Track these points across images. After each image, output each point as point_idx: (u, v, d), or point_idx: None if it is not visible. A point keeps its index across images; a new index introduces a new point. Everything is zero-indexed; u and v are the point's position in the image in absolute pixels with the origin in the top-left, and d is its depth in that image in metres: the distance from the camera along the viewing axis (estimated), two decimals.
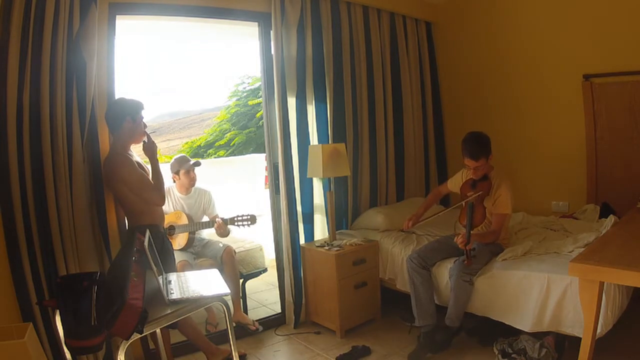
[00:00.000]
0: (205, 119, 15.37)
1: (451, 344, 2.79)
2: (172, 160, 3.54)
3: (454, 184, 3.17)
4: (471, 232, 2.69)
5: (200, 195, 3.50)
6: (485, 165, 2.85)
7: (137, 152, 2.64)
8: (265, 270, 3.76)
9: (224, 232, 3.38)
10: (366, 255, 3.24)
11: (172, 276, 2.20)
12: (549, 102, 3.78)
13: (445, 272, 2.84)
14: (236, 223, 3.33)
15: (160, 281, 1.95)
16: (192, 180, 3.44)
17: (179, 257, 3.25)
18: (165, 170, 2.95)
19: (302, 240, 3.41)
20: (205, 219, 3.49)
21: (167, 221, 3.34)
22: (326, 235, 3.50)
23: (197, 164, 3.48)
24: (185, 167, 3.41)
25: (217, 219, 3.33)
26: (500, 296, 2.62)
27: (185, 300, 1.90)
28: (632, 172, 3.34)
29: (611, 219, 2.80)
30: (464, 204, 2.88)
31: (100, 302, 1.54)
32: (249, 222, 3.32)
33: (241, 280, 3.49)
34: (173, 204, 3.45)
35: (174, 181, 3.49)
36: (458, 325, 2.74)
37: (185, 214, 3.40)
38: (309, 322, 3.37)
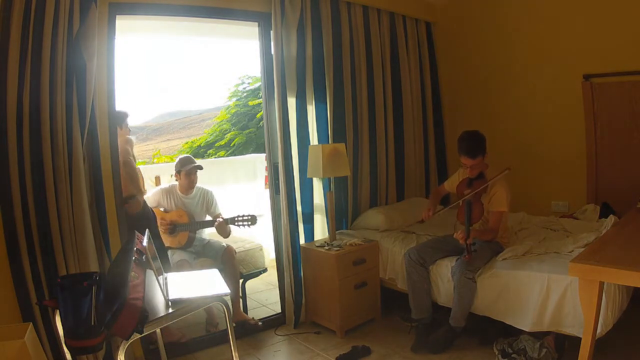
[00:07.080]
0: (205, 119, 15.36)
1: (453, 345, 2.79)
2: (177, 158, 3.57)
3: (451, 184, 3.19)
4: (470, 227, 2.71)
5: (202, 195, 3.51)
6: (481, 164, 2.87)
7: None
8: (265, 270, 3.76)
9: (225, 232, 3.41)
10: (366, 255, 3.24)
11: (172, 276, 2.21)
12: (549, 102, 3.78)
13: (444, 271, 2.85)
14: (236, 223, 3.37)
15: (161, 281, 1.95)
16: (191, 183, 3.45)
17: (178, 256, 3.26)
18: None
19: (302, 240, 3.41)
20: (208, 218, 3.50)
21: (169, 219, 3.36)
22: (326, 235, 3.49)
23: (199, 167, 3.50)
24: (185, 169, 3.42)
25: (217, 219, 3.34)
26: (501, 296, 2.62)
27: (185, 300, 1.90)
28: (632, 172, 3.34)
29: (611, 219, 2.79)
30: (460, 202, 2.91)
31: (100, 302, 1.54)
32: (249, 223, 3.37)
33: (241, 280, 3.50)
34: (175, 203, 3.46)
35: (176, 180, 3.50)
36: (463, 325, 2.74)
37: (187, 213, 3.41)
38: (309, 322, 3.36)
